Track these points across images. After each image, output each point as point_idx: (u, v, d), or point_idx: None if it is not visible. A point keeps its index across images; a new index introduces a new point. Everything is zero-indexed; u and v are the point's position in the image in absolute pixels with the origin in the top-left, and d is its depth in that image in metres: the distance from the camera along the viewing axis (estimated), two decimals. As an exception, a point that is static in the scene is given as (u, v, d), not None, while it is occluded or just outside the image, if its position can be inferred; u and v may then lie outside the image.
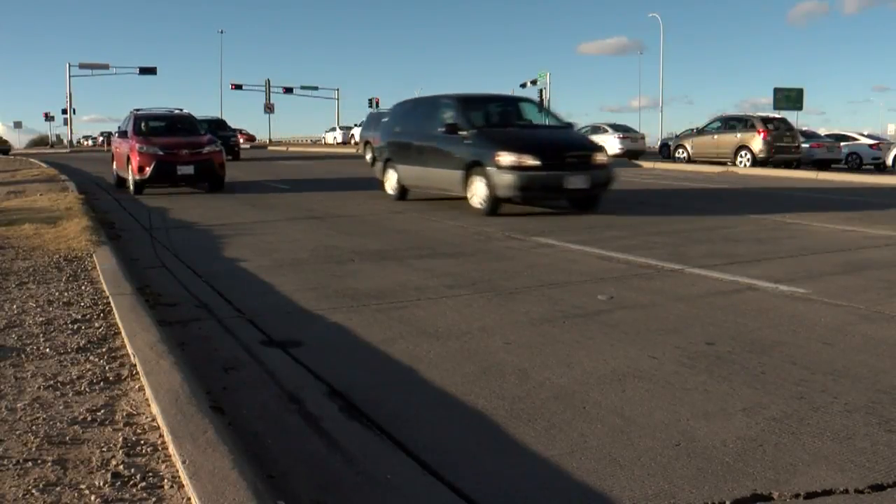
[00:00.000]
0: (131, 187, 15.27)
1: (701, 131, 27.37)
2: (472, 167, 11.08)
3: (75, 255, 6.98)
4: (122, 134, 16.50)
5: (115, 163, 17.33)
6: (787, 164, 24.66)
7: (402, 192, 13.30)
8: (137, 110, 17.02)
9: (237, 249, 8.17)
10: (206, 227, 10.01)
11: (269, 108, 70.48)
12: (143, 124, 16.32)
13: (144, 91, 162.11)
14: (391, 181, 13.60)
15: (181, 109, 18.19)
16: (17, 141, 55.87)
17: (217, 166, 15.55)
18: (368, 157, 25.46)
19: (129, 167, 15.15)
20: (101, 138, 71.44)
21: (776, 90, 36.42)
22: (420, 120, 12.99)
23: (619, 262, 7.26)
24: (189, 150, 15.23)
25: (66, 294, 5.40)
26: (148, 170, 14.74)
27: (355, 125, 54.67)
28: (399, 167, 13.15)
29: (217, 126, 29.77)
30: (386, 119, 14.63)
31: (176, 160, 14.97)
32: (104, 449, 2.87)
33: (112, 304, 5.03)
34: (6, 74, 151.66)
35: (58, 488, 2.56)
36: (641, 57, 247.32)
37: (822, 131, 32.99)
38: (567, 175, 10.79)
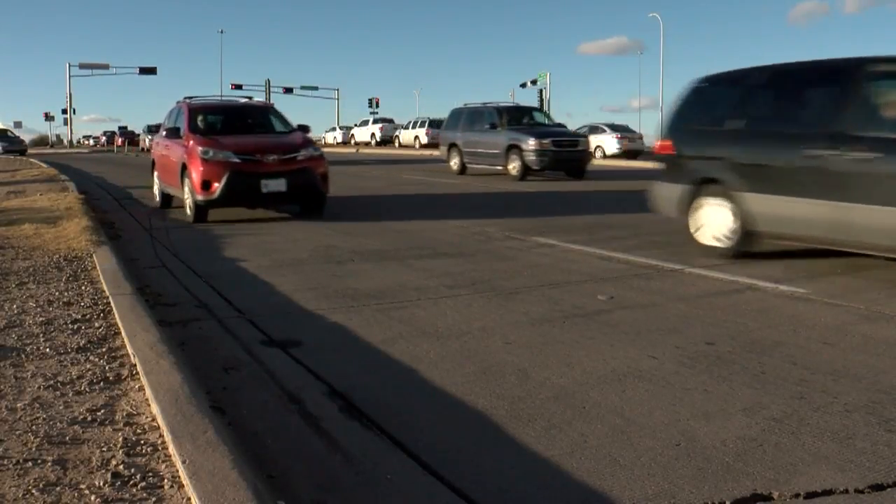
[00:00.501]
0: (189, 210, 10.58)
1: (701, 131, 27.29)
2: None
3: (75, 255, 6.98)
4: (172, 133, 11.40)
5: (157, 173, 12.67)
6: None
7: (746, 240, 7.26)
8: (189, 98, 12.31)
9: (237, 249, 8.17)
10: (206, 227, 10.01)
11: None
12: (201, 118, 11.65)
13: (144, 91, 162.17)
14: (720, 222, 7.38)
15: (250, 98, 13.48)
16: (18, 141, 55.53)
17: (319, 179, 10.75)
18: (454, 163, 21.04)
19: (186, 181, 10.58)
20: (103, 138, 71.45)
21: (776, 90, 36.36)
22: (808, 107, 7.19)
23: (619, 262, 7.26)
24: (278, 154, 10.45)
25: (66, 294, 5.40)
26: (217, 185, 10.08)
27: (355, 125, 54.72)
28: (750, 198, 7.04)
29: None
30: (684, 104, 8.18)
31: (260, 170, 10.24)
32: (104, 449, 2.87)
33: (112, 304, 5.03)
34: (6, 74, 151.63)
35: (58, 488, 2.56)
36: (641, 57, 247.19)
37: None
38: None
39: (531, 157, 18.14)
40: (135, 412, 3.25)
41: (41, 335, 4.38)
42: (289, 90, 73.90)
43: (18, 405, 3.31)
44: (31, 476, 2.65)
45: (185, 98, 12.34)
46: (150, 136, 50.94)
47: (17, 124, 65.74)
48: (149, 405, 3.30)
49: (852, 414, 3.43)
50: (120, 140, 55.65)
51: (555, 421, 3.37)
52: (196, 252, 8.04)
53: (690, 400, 3.62)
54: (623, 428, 3.29)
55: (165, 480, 2.62)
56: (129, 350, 4.05)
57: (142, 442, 2.94)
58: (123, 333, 4.35)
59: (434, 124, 45.21)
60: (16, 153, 43.30)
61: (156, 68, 70.80)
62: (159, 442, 2.93)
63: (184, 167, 10.64)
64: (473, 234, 9.13)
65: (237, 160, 10.26)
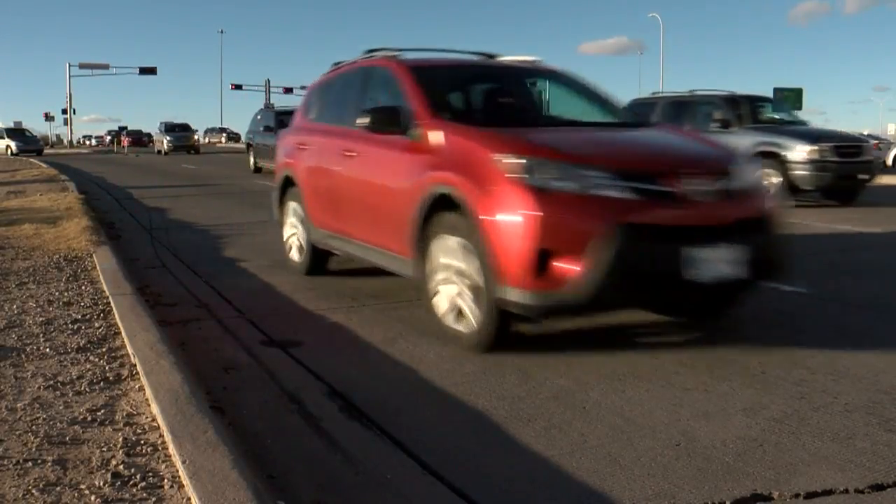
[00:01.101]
0: (468, 313, 4.32)
1: (702, 131, 27.25)
2: None
3: (75, 255, 6.97)
4: (379, 119, 5.00)
5: (304, 203, 6.48)
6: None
7: None
8: (390, 54, 5.76)
9: (237, 249, 8.17)
10: (206, 227, 10.01)
11: (269, 109, 70.52)
12: (438, 90, 5.21)
13: (144, 91, 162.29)
14: None
15: (493, 56, 6.44)
16: (18, 141, 55.27)
17: (776, 241, 4.47)
18: None
19: (447, 241, 4.45)
20: (107, 137, 71.36)
21: (776, 90, 36.32)
22: None
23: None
24: (709, 181, 4.14)
25: (66, 294, 5.40)
26: (580, 264, 3.77)
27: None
28: None
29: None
30: None
31: (683, 223, 3.97)
32: (104, 449, 2.87)
33: (112, 304, 5.03)
34: (6, 74, 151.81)
35: (58, 488, 2.56)
36: (641, 57, 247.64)
37: (822, 131, 32.99)
38: None
39: (802, 172, 11.91)
40: (135, 412, 3.25)
41: (41, 335, 4.38)
42: (289, 90, 73.84)
43: (18, 405, 3.31)
44: (31, 476, 2.65)
45: (370, 51, 6.14)
46: (167, 137, 42.26)
47: (17, 124, 65.56)
48: (149, 405, 3.30)
49: (852, 414, 3.43)
50: (125, 140, 55.49)
51: (555, 421, 3.37)
52: (196, 252, 8.04)
53: (690, 400, 3.62)
54: (623, 428, 3.29)
55: (165, 480, 2.62)
56: (129, 350, 4.05)
57: (142, 442, 2.94)
58: (123, 333, 4.35)
59: (434, 124, 44.87)
60: (32, 153, 40.80)
61: (156, 68, 70.79)
62: (159, 442, 2.93)
63: (438, 202, 4.49)
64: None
65: (630, 196, 3.99)
